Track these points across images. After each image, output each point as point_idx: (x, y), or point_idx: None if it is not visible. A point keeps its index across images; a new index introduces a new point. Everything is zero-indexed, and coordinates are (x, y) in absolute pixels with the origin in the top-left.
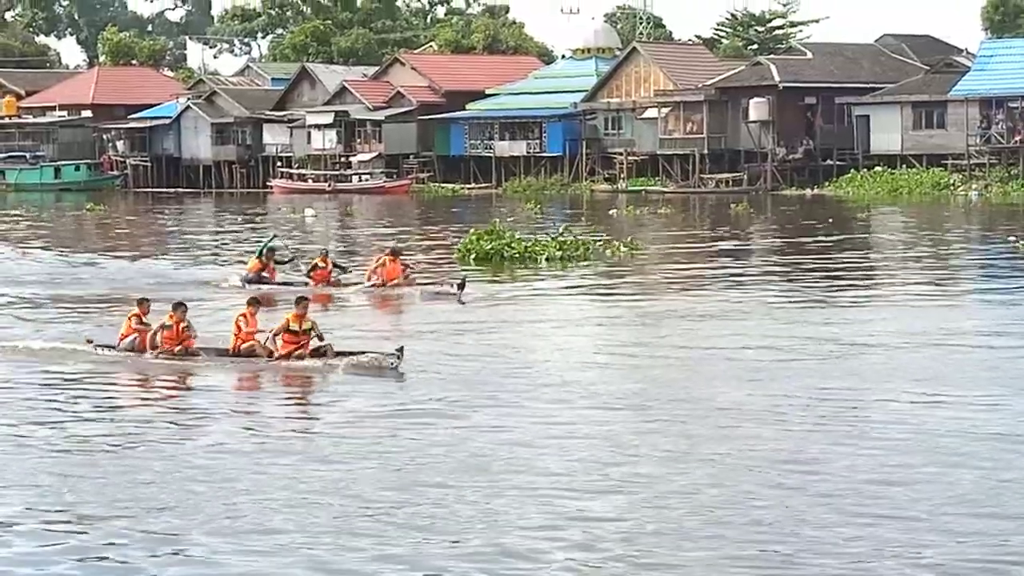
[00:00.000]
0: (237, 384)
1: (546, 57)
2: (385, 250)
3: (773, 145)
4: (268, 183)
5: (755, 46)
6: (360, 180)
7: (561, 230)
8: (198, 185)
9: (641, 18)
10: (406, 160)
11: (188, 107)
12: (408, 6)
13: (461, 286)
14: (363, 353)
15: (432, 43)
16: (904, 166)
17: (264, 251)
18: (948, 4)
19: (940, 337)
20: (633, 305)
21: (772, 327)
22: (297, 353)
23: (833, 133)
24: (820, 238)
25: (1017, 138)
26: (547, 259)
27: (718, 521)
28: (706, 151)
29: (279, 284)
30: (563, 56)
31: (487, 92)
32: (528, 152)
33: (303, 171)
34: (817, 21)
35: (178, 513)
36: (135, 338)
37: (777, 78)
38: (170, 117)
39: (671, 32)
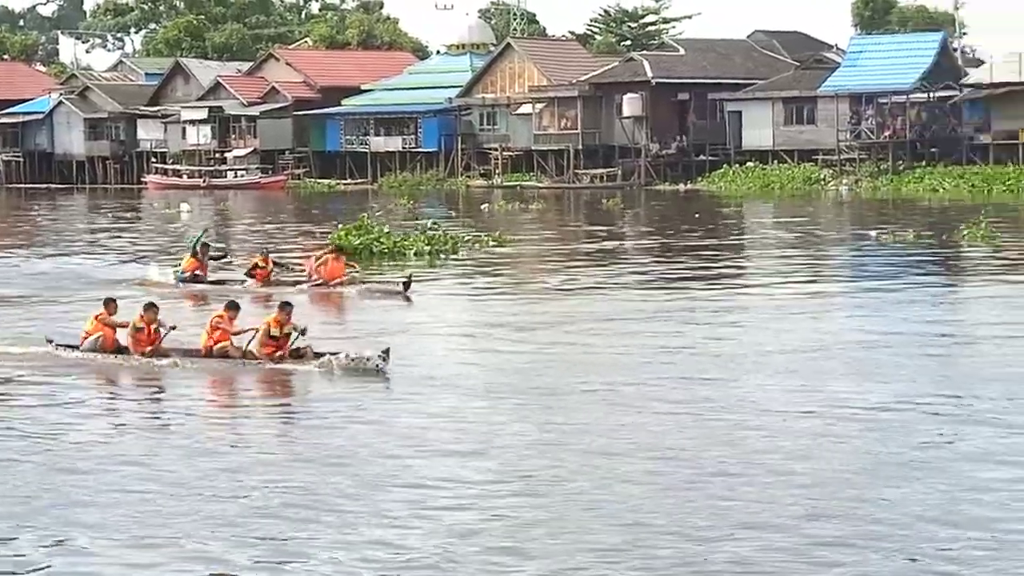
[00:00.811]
0: (212, 386)
1: (421, 53)
2: (327, 247)
3: (647, 141)
4: (142, 179)
5: (628, 42)
6: (235, 176)
7: (430, 225)
8: (71, 181)
9: (515, 14)
10: (281, 156)
11: (61, 102)
12: (283, 1)
13: (407, 284)
14: (343, 355)
15: (307, 38)
16: (776, 161)
17: (197, 246)
18: (819, 1)
19: (804, 331)
20: (499, 298)
21: (637, 320)
22: (278, 355)
23: (706, 129)
24: (687, 232)
25: (886, 134)
26: (416, 254)
27: (591, 510)
28: (580, 147)
29: (213, 283)
30: (438, 52)
31: (362, 88)
32: (404, 148)
33: (178, 167)
34: (689, 17)
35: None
36: (99, 337)
37: (650, 74)
38: (42, 112)
39: (545, 28)
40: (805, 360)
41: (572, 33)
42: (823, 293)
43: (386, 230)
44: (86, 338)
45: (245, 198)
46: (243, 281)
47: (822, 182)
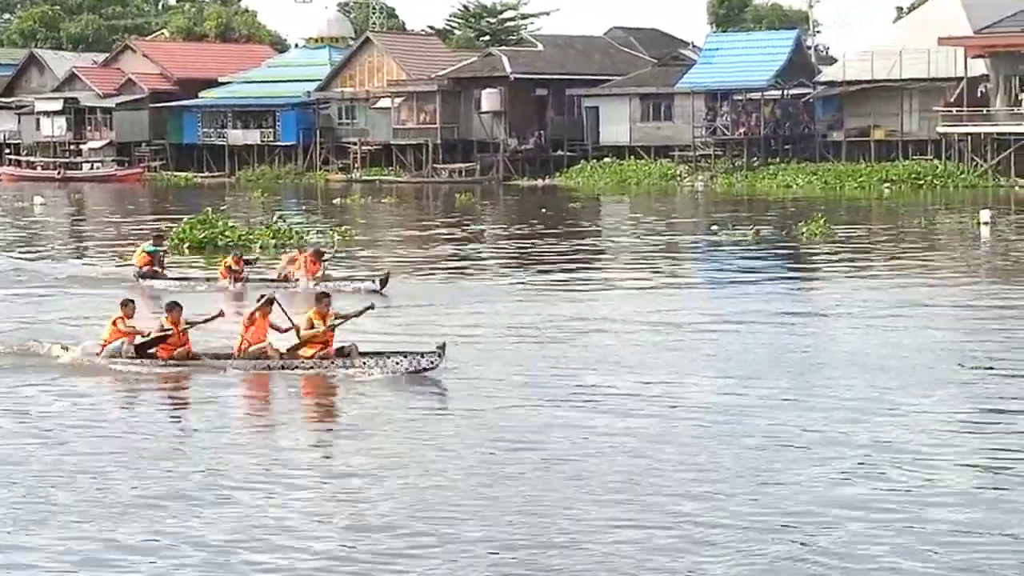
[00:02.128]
0: (253, 391)
1: (279, 46)
2: (306, 250)
3: (505, 136)
4: None
5: (487, 37)
6: (91, 168)
7: (276, 219)
8: None
9: (374, 8)
10: (138, 148)
11: None
12: None
13: (383, 282)
14: (399, 354)
15: (164, 30)
16: (633, 157)
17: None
18: None
19: (650, 323)
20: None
21: (482, 312)
22: (322, 353)
23: (564, 124)
24: (532, 227)
25: (741, 130)
26: (261, 247)
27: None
28: (439, 141)
29: (174, 279)
30: (296, 45)
31: (220, 80)
32: (262, 141)
33: (32, 158)
34: (548, 13)
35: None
36: (123, 343)
37: (509, 69)
38: None
39: (404, 22)
40: (637, 353)
41: (431, 28)
42: (654, 287)
43: (231, 224)
44: (106, 345)
45: (101, 191)
46: (207, 279)
47: (678, 178)
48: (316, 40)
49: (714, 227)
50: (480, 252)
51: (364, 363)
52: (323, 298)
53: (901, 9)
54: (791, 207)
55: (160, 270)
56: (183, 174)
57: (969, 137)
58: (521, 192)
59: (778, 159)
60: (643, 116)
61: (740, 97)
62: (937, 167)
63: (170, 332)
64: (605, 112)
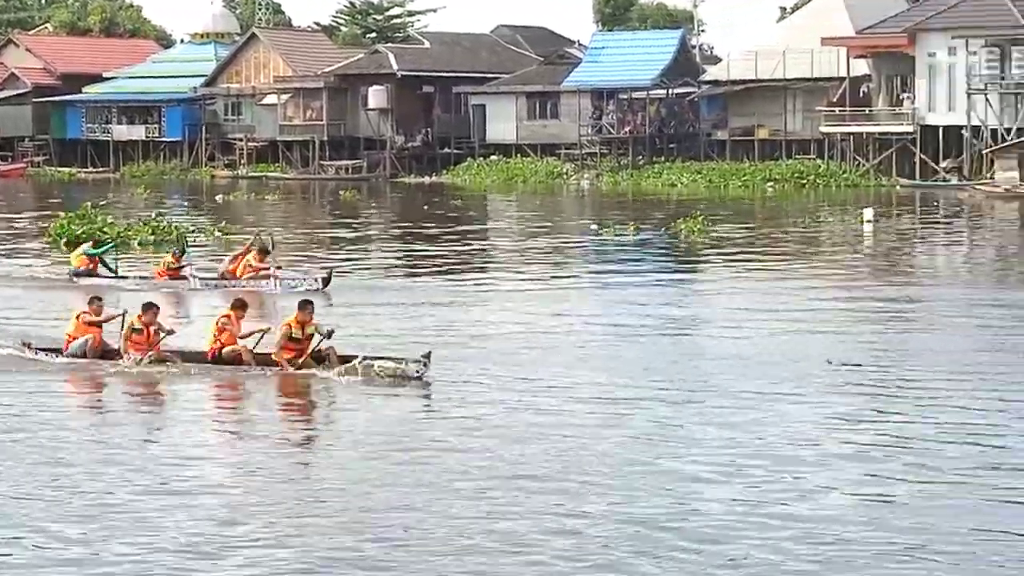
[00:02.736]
0: (221, 395)
1: (165, 41)
2: (249, 245)
3: (392, 133)
4: None
5: (374, 34)
6: None
7: (155, 215)
8: None
9: (260, 4)
10: (20, 143)
11: None
12: None
13: (326, 280)
14: (382, 359)
15: (47, 24)
16: (519, 155)
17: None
18: None
19: (525, 321)
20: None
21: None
22: (301, 360)
23: (451, 122)
24: (412, 224)
25: (627, 129)
26: (140, 243)
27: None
28: (326, 138)
29: (111, 277)
30: (182, 40)
31: (105, 75)
32: (147, 137)
33: None
34: (435, 11)
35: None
36: (88, 340)
37: (395, 67)
38: None
39: (290, 19)
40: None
41: (317, 24)
42: (527, 284)
43: (109, 220)
44: (71, 341)
45: None
46: (145, 277)
47: (564, 176)
48: (202, 36)
49: (594, 226)
50: (368, 251)
51: (345, 369)
52: (306, 305)
53: (785, 9)
54: (675, 206)
55: (92, 268)
56: (67, 169)
57: (852, 137)
58: (408, 189)
59: (663, 158)
60: (530, 114)
61: (626, 96)
62: (820, 166)
63: (141, 332)
64: (492, 110)
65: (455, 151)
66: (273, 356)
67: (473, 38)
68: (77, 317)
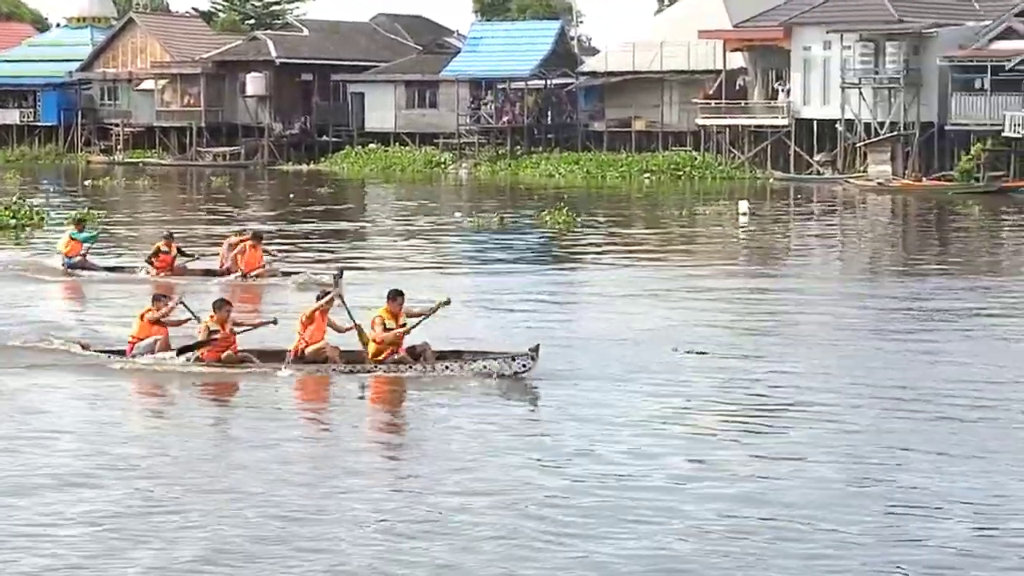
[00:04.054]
0: (313, 398)
1: (40, 24)
2: (244, 234)
3: (270, 120)
4: None
5: (252, 21)
6: None
7: (15, 199)
8: None
9: None
10: None
11: None
12: None
13: (339, 275)
14: (487, 355)
15: None
16: (398, 144)
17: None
18: None
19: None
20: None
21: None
22: (397, 357)
23: (329, 109)
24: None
25: (505, 119)
26: (1, 228)
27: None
28: (203, 124)
29: (106, 269)
30: (58, 24)
31: None
32: (22, 121)
33: None
34: None
35: None
36: (155, 341)
37: (274, 53)
38: None
39: (168, 4)
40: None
41: (196, 10)
42: (372, 272)
43: None
44: (135, 342)
45: None
46: (141, 268)
47: (443, 165)
48: (78, 20)
49: (458, 215)
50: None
51: (446, 367)
52: (396, 296)
53: (662, 1)
54: (552, 196)
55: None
56: None
57: (727, 129)
58: (285, 177)
59: (541, 148)
60: (408, 103)
61: (504, 86)
62: (696, 158)
63: (217, 333)
64: (371, 98)
65: (333, 139)
66: (368, 353)
67: (352, 26)
68: (141, 317)
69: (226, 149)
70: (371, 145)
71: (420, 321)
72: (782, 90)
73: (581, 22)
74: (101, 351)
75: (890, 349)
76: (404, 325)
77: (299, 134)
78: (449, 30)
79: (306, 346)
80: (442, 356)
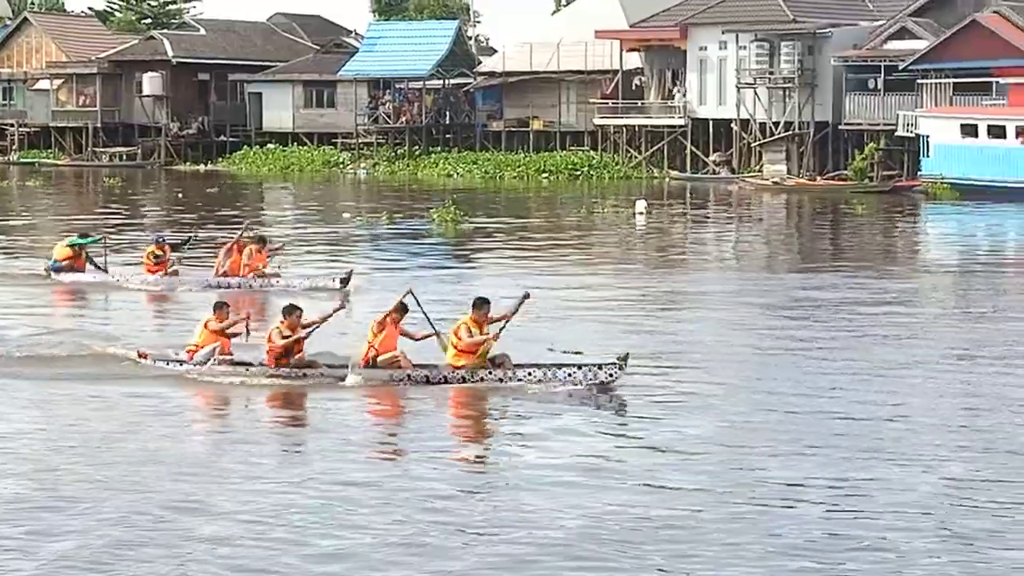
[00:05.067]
0: (381, 406)
1: None
2: (243, 240)
3: (167, 120)
4: None
5: (148, 20)
6: None
7: None
8: None
9: None
10: None
11: None
12: None
13: (345, 280)
14: (570, 365)
15: None
16: (296, 143)
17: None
18: None
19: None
20: None
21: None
22: (476, 365)
23: (227, 109)
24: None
25: (403, 119)
26: None
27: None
28: (100, 124)
29: (94, 273)
30: None
31: None
32: None
33: None
34: None
35: None
36: (216, 348)
37: (171, 53)
38: None
39: (64, 3)
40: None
41: (92, 10)
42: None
43: None
44: (196, 351)
45: None
46: (132, 273)
47: (341, 165)
48: None
49: (346, 215)
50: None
51: (529, 375)
52: (483, 304)
53: (560, 1)
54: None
55: (78, 266)
56: None
57: (624, 129)
58: (182, 177)
59: (440, 148)
60: (306, 103)
61: (402, 86)
62: (593, 158)
63: (290, 338)
64: (268, 98)
65: (231, 139)
66: (447, 362)
67: (249, 26)
68: (205, 325)
69: (123, 149)
70: (269, 145)
71: (505, 324)
72: (678, 90)
73: (479, 22)
74: (159, 358)
75: (768, 347)
76: (495, 335)
77: (196, 134)
78: (347, 30)
79: (377, 355)
80: (521, 367)
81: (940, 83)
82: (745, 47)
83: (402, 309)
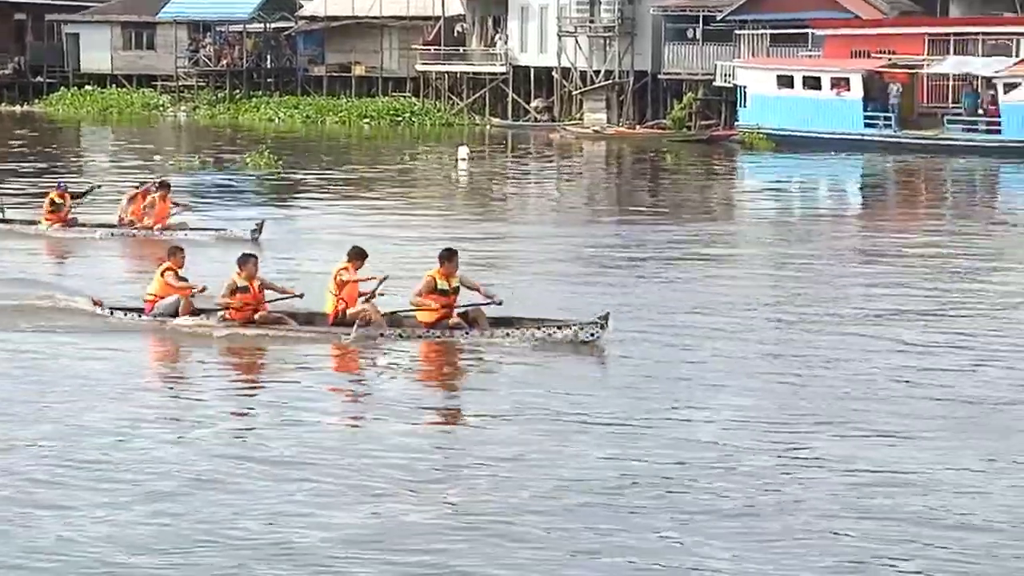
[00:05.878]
0: (350, 362)
1: None
2: (150, 184)
3: None
4: None
5: None
6: None
7: None
8: None
9: None
10: None
11: None
12: None
13: (258, 229)
14: (549, 323)
15: None
16: (115, 86)
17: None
18: None
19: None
20: None
21: None
22: (452, 322)
23: (44, 50)
24: None
25: (224, 62)
26: None
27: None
28: None
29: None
30: None
31: None
32: None
33: None
34: None
35: None
36: (178, 300)
37: None
38: None
39: None
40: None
41: None
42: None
43: None
44: (155, 301)
45: None
46: (34, 223)
47: (161, 108)
48: None
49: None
50: None
51: (506, 333)
52: (452, 256)
53: None
54: (271, 140)
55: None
56: None
57: (446, 76)
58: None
59: (261, 92)
60: (125, 44)
61: (223, 29)
62: (415, 104)
63: (247, 291)
64: (86, 39)
65: (48, 80)
66: (412, 310)
67: None
68: (161, 274)
69: None
70: (87, 87)
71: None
72: (500, 37)
73: None
74: (116, 308)
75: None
76: (457, 289)
77: (12, 75)
78: None
79: (346, 307)
80: (499, 323)
81: (757, 34)
82: None
83: (361, 255)
